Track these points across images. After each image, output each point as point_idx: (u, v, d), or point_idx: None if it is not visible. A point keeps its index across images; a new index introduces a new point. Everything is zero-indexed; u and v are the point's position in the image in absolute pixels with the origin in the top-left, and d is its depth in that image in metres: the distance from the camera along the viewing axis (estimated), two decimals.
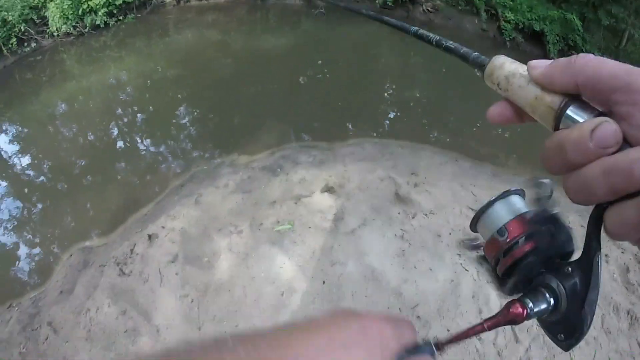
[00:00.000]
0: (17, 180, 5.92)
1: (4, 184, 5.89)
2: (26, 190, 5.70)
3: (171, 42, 9.55)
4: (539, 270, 0.47)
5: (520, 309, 0.46)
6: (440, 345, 0.49)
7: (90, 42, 9.91)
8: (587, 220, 0.41)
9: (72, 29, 9.90)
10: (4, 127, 7.24)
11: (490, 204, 0.52)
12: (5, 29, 9.66)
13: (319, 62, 8.20)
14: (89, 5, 9.74)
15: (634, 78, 0.36)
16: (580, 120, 0.39)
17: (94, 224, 4.83)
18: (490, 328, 0.48)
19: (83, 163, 6.03)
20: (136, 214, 4.82)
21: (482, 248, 0.53)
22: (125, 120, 7.18)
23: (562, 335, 0.45)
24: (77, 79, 8.65)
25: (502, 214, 0.51)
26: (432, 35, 0.59)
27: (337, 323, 0.45)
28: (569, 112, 0.40)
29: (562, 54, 8.73)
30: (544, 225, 0.48)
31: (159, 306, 3.49)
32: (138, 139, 6.59)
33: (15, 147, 6.70)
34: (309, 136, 5.96)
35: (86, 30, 9.95)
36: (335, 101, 6.86)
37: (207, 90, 7.32)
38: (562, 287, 0.44)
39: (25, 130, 7.18)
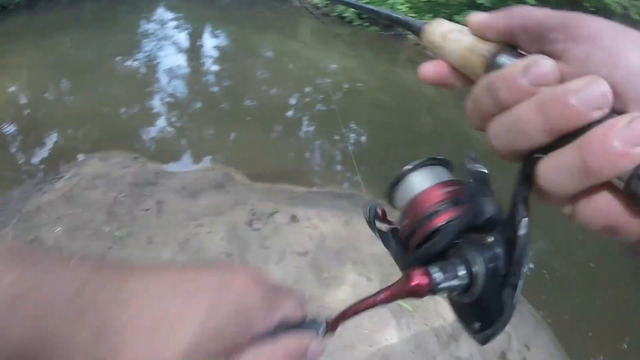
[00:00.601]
0: None
1: None
2: None
3: (393, 72, 9.56)
4: (454, 241, 0.40)
5: (423, 279, 0.38)
6: (331, 324, 0.43)
7: (329, 26, 10.59)
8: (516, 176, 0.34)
9: (324, 4, 10.81)
10: (213, 37, 8.69)
11: (407, 171, 0.46)
12: None
13: None
14: None
15: (570, 17, 0.33)
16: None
17: (245, 161, 4.86)
18: (385, 301, 0.41)
19: None
20: (286, 185, 4.60)
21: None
22: (308, 103, 7.36)
23: (478, 325, 0.37)
24: (301, 43, 9.34)
25: (420, 181, 0.44)
26: (382, 9, 0.52)
27: (202, 271, 0.41)
28: (501, 58, 0.36)
29: None
30: (469, 192, 0.42)
31: None
32: (315, 126, 6.69)
33: (213, 65, 7.74)
34: None
35: (333, 14, 10.69)
36: None
37: (396, 130, 6.96)
38: (480, 261, 0.37)
39: (233, 55, 7.96)
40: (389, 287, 0.40)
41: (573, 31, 0.32)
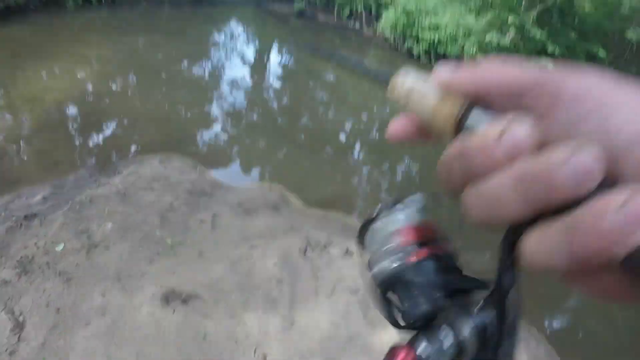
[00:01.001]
0: None
1: None
2: None
3: None
4: (441, 301, 0.37)
5: (408, 357, 0.35)
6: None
7: (396, 58, 10.66)
8: (499, 244, 0.33)
9: (392, 38, 10.88)
10: (279, 56, 8.84)
11: (380, 212, 0.43)
12: None
13: None
14: (418, 34, 10.46)
15: (544, 75, 0.29)
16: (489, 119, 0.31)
17: (301, 185, 4.76)
18: None
19: None
20: (339, 214, 4.64)
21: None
22: (363, 131, 7.34)
23: None
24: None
25: (394, 221, 0.42)
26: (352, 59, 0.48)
27: None
28: (472, 116, 0.32)
29: None
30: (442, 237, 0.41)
31: None
32: (366, 154, 6.58)
33: (276, 81, 7.95)
34: None
35: (402, 49, 10.77)
36: None
37: None
38: (469, 330, 0.34)
39: (296, 75, 8.15)
40: None
41: (552, 92, 0.28)
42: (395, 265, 0.40)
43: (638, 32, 8.15)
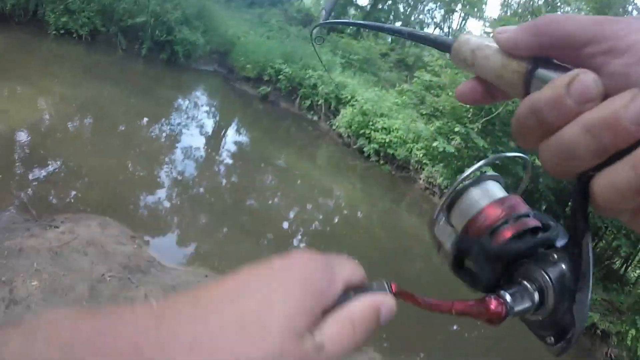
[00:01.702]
0: None
1: None
2: None
3: (395, 211, 9.89)
4: (520, 260, 0.40)
5: (497, 306, 0.38)
6: (394, 289, 0.42)
7: (347, 155, 11.27)
8: (571, 198, 0.33)
9: (346, 135, 11.52)
10: (236, 133, 9.39)
11: (465, 188, 0.45)
12: (310, 91, 12.28)
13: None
14: (370, 134, 11.10)
15: (602, 27, 0.32)
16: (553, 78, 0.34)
17: None
18: (457, 313, 0.40)
19: None
20: None
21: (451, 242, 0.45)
22: (306, 220, 7.57)
23: (552, 338, 0.38)
24: (314, 165, 10.11)
25: (478, 199, 0.44)
26: (403, 28, 0.53)
27: (256, 271, 0.38)
28: (538, 73, 0.35)
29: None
30: (526, 209, 0.43)
31: None
32: (307, 244, 6.78)
33: (228, 158, 8.22)
34: None
35: (353, 146, 11.38)
36: None
37: (387, 271, 7.01)
38: (547, 279, 0.38)
39: (248, 155, 8.53)
40: (466, 302, 0.40)
41: (608, 44, 0.32)
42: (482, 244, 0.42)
43: None
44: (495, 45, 0.39)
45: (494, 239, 0.42)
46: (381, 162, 11.09)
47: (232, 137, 9.91)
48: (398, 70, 17.59)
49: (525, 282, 0.39)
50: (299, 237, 6.86)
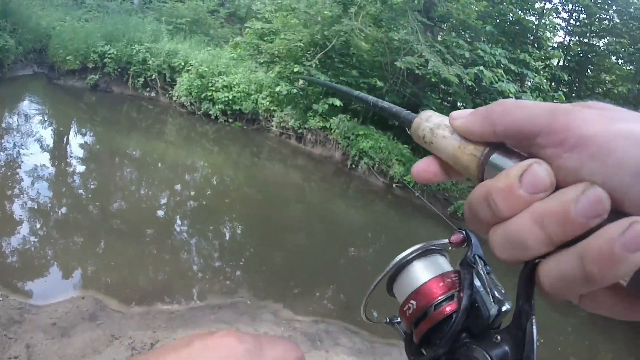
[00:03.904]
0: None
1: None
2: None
3: (258, 165, 10.07)
4: (462, 339, 0.40)
5: None
6: None
7: (195, 123, 11.10)
8: (518, 279, 0.35)
9: (189, 103, 11.27)
10: (78, 136, 8.93)
11: (408, 261, 0.46)
12: (142, 67, 11.67)
13: (380, 245, 8.26)
14: (212, 95, 10.99)
15: (554, 118, 0.33)
16: (507, 166, 0.35)
17: (118, 283, 4.71)
18: None
19: (130, 213, 6.45)
20: (163, 305, 4.62)
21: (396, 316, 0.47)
22: (179, 203, 7.60)
23: None
24: (167, 142, 9.78)
25: (421, 272, 0.45)
26: (369, 97, 0.58)
27: (181, 348, 0.37)
28: (493, 159, 0.37)
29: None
30: (468, 284, 0.42)
31: None
32: (187, 228, 6.79)
33: (79, 166, 7.93)
34: (352, 320, 5.76)
35: (199, 112, 11.25)
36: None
37: (267, 223, 7.40)
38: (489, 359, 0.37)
39: (98, 155, 8.10)
40: None
41: (559, 136, 0.32)
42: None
43: (405, 61, 9.71)
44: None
45: (423, 322, 0.43)
46: (230, 120, 11.26)
47: (74, 141, 9.43)
48: (230, 24, 17.31)
49: None
50: (178, 221, 6.89)
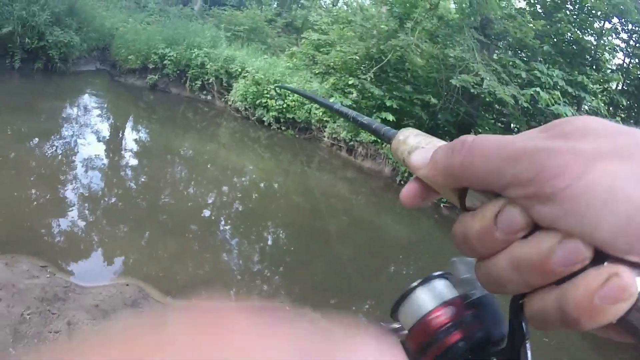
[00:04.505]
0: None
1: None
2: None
3: (307, 174, 10.00)
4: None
5: None
6: None
7: (248, 128, 11.23)
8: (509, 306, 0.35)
9: (243, 108, 11.44)
10: (135, 132, 9.28)
11: (411, 290, 0.45)
12: (199, 71, 12.03)
13: (422, 264, 7.99)
14: (267, 102, 11.08)
15: (520, 166, 0.30)
16: (485, 200, 0.34)
17: (161, 275, 4.74)
18: None
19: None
20: (202, 302, 4.53)
21: (404, 338, 0.45)
22: (225, 204, 7.67)
23: None
24: (219, 145, 9.90)
25: (425, 300, 0.44)
26: (350, 111, 0.57)
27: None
28: (470, 192, 0.35)
29: None
30: (472, 311, 0.41)
31: None
32: (231, 228, 6.88)
33: (132, 159, 8.15)
34: None
35: (252, 118, 11.38)
36: None
37: (311, 233, 7.28)
38: None
39: (152, 151, 8.30)
40: None
41: (528, 190, 0.30)
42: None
43: (460, 79, 9.52)
44: (434, 141, 0.40)
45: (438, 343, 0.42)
46: (283, 128, 11.27)
47: (130, 135, 9.67)
48: (287, 34, 17.59)
49: None
50: (223, 222, 6.90)
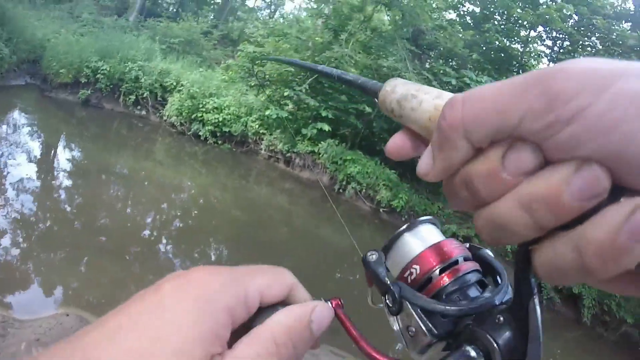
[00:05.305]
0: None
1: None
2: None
3: (245, 187, 10.10)
4: (463, 322, 0.39)
5: None
6: (335, 305, 0.42)
7: (184, 144, 11.19)
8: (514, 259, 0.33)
9: (179, 123, 11.38)
10: (67, 150, 9.06)
11: (398, 235, 0.45)
12: (133, 85, 11.75)
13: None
14: (202, 116, 11.09)
15: (529, 96, 0.27)
16: None
17: (101, 302, 4.68)
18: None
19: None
20: None
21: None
22: (165, 222, 7.59)
23: None
24: (155, 162, 9.78)
25: (413, 246, 0.44)
26: (333, 70, 0.56)
27: (139, 300, 0.35)
28: None
29: (596, 319, 8.45)
30: (465, 254, 0.42)
31: None
32: (172, 247, 6.84)
33: (66, 180, 7.96)
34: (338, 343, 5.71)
35: (188, 133, 11.32)
36: None
37: (252, 246, 7.40)
38: (493, 342, 0.35)
39: (86, 171, 8.19)
40: None
41: (544, 120, 0.27)
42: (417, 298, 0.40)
43: None
44: (423, 89, 0.38)
45: (427, 289, 0.41)
46: (219, 142, 11.32)
47: (63, 155, 9.38)
48: (223, 46, 17.55)
49: (468, 348, 0.37)
50: (164, 241, 6.86)
